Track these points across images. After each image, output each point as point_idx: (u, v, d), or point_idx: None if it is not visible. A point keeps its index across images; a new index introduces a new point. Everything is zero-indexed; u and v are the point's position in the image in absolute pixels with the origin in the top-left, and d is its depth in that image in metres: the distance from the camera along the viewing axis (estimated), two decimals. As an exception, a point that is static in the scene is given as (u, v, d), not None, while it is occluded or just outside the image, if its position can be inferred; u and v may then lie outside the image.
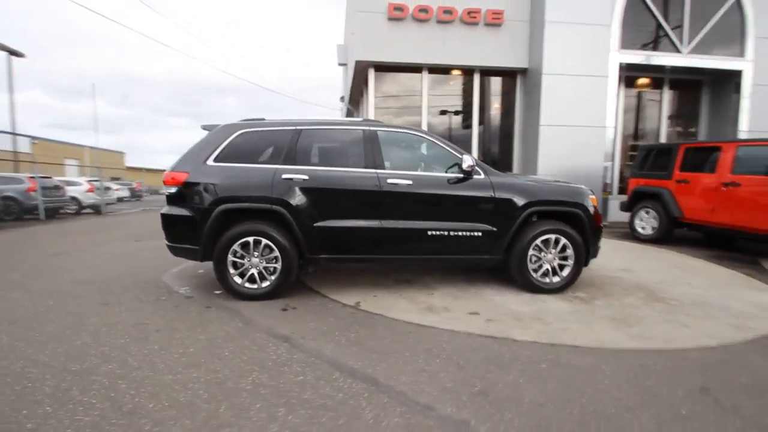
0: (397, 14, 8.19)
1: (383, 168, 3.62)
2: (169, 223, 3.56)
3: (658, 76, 9.81)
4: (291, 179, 3.46)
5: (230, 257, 3.45)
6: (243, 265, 3.48)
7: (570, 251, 3.81)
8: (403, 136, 3.94)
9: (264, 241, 3.44)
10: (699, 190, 6.09)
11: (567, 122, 8.51)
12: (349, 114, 13.81)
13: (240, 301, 3.46)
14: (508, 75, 9.36)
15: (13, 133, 16.23)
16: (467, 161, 3.56)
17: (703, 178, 6.06)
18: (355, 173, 3.56)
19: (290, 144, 3.59)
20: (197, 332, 2.81)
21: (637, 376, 2.27)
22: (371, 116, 8.91)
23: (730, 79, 9.24)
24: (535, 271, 3.80)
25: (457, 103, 9.60)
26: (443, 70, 9.14)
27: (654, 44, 9.03)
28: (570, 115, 8.52)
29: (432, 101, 9.31)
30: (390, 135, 3.80)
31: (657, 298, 3.77)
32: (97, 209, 12.84)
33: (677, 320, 3.19)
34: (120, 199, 18.86)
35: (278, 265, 3.48)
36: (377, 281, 4.14)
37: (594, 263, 4.01)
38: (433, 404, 1.96)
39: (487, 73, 9.28)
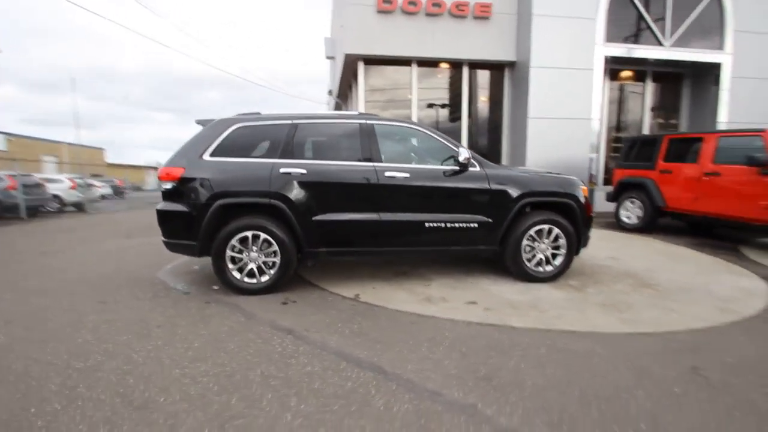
0: (386, 7, 8.16)
1: (380, 161, 3.65)
2: (165, 218, 3.53)
3: (641, 69, 10.01)
4: (289, 173, 3.46)
5: (229, 252, 3.44)
6: (241, 259, 3.48)
7: (562, 241, 3.91)
8: (400, 129, 3.97)
9: (262, 235, 3.44)
10: (682, 180, 6.28)
11: (554, 115, 8.65)
12: (337, 107, 13.73)
13: (239, 295, 3.46)
14: (497, 68, 9.43)
15: (-12, 129, 15.62)
16: (463, 154, 3.61)
17: (685, 169, 6.26)
18: (352, 167, 3.58)
19: (287, 138, 3.59)
20: (199, 327, 2.81)
21: (631, 359, 2.38)
22: (361, 109, 8.89)
23: (710, 72, 9.50)
24: (529, 260, 3.89)
25: (446, 96, 9.65)
26: (432, 63, 9.16)
27: (638, 37, 9.20)
28: (557, 108, 8.66)
29: (421, 94, 9.34)
30: (386, 128, 3.83)
31: (645, 284, 3.91)
32: (80, 207, 12.53)
33: (665, 305, 3.33)
34: (103, 197, 18.42)
35: (277, 260, 3.49)
36: (375, 273, 4.18)
37: (583, 252, 4.13)
38: (440, 390, 2.02)
39: (475, 66, 9.33)
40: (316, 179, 3.49)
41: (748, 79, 9.26)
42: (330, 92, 14.00)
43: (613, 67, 9.61)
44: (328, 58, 12.33)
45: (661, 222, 6.98)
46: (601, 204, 8.56)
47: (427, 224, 3.66)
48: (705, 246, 5.75)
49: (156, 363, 2.29)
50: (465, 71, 9.28)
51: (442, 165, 3.80)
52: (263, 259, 3.50)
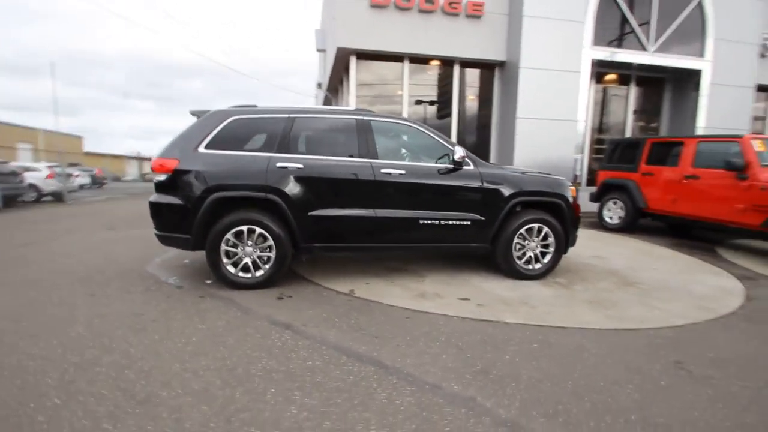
0: (379, 1, 8.13)
1: (377, 158, 3.67)
2: (158, 211, 3.48)
3: (626, 73, 10.27)
4: (286, 168, 3.45)
5: (223, 246, 3.42)
6: (236, 254, 3.47)
7: (551, 239, 4.02)
8: (396, 126, 4.00)
9: (258, 230, 3.43)
10: (663, 182, 6.51)
11: (542, 115, 8.81)
12: (327, 101, 13.63)
13: (234, 290, 3.45)
14: (487, 67, 9.53)
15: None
16: (459, 152, 3.67)
17: (666, 172, 6.49)
18: (349, 162, 3.59)
19: (284, 132, 3.57)
20: (196, 322, 2.80)
21: (619, 353, 2.49)
22: (352, 104, 8.87)
23: (691, 78, 9.82)
24: (520, 258, 4.00)
25: (436, 94, 9.70)
26: (424, 60, 9.19)
27: (623, 42, 9.44)
28: (545, 109, 8.82)
29: (412, 91, 9.36)
30: (383, 125, 3.85)
31: (628, 282, 4.06)
32: (58, 197, 12.12)
33: (648, 302, 3.47)
34: (81, 187, 17.85)
35: (272, 254, 3.49)
36: (367, 269, 4.22)
37: (569, 251, 4.25)
38: (440, 383, 2.08)
39: (466, 64, 9.41)
40: (313, 174, 3.50)
41: (725, 86, 9.62)
42: (319, 85, 13.88)
43: (599, 70, 9.84)
44: (318, 50, 12.22)
45: (641, 222, 7.22)
46: (584, 204, 8.75)
47: (421, 221, 3.71)
48: (683, 246, 5.99)
49: (155, 357, 2.28)
50: (456, 69, 9.35)
51: (436, 163, 3.85)
52: (258, 253, 3.49)
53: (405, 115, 9.16)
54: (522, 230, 3.93)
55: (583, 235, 6.59)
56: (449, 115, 9.62)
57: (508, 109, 9.20)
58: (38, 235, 6.23)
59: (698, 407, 1.93)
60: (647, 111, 10.98)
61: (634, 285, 3.97)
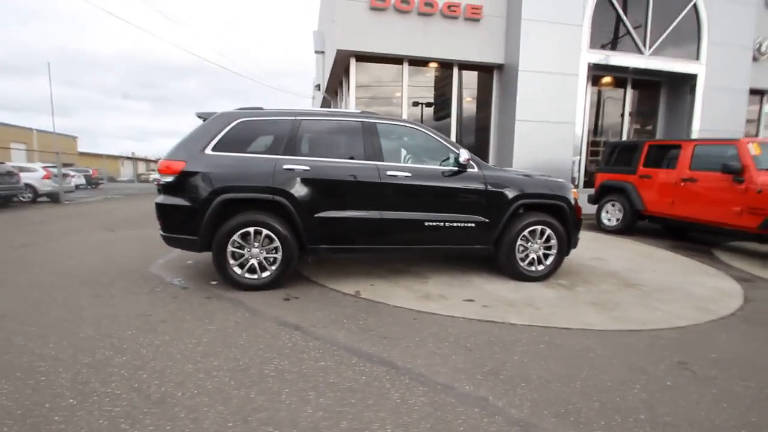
0: (379, 4, 8.17)
1: (382, 160, 3.70)
2: (164, 212, 3.48)
3: (622, 76, 10.38)
4: (292, 170, 3.47)
5: (230, 248, 3.43)
6: (242, 255, 3.48)
7: (554, 241, 4.07)
8: (401, 128, 4.03)
9: (264, 231, 3.44)
10: (660, 184, 6.59)
11: (540, 118, 8.89)
12: (325, 103, 13.64)
13: (240, 291, 3.46)
14: (486, 70, 9.60)
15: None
16: (464, 155, 3.71)
17: (664, 174, 6.57)
18: (355, 165, 3.62)
19: (290, 134, 3.59)
20: (205, 323, 2.81)
21: (624, 354, 2.53)
22: (351, 106, 8.90)
23: (686, 81, 9.95)
24: (523, 260, 4.04)
25: (435, 96, 9.75)
26: (423, 62, 9.24)
27: (620, 46, 9.54)
28: (543, 111, 8.90)
29: (411, 93, 9.41)
30: (388, 127, 3.88)
31: (629, 284, 4.12)
32: (54, 198, 12.02)
33: (649, 304, 3.53)
34: (77, 187, 17.72)
35: (278, 256, 3.50)
36: (371, 271, 4.24)
37: (570, 253, 4.29)
38: (452, 383, 2.11)
39: (465, 67, 9.47)
40: (320, 176, 3.52)
41: (720, 89, 9.76)
42: (317, 87, 13.89)
43: (596, 73, 9.94)
44: (316, 52, 12.23)
45: (639, 225, 7.31)
46: (583, 206, 8.85)
47: (426, 223, 3.74)
48: (680, 248, 6.07)
49: (167, 358, 2.29)
50: (455, 71, 9.40)
51: (441, 165, 3.89)
52: (264, 255, 3.51)
53: (405, 117, 9.20)
54: (525, 232, 3.97)
55: (583, 237, 6.60)
56: (447, 116, 9.67)
57: (507, 112, 9.27)
58: (37, 236, 6.19)
59: (704, 407, 1.97)
60: (643, 114, 11.11)
61: (635, 287, 4.03)
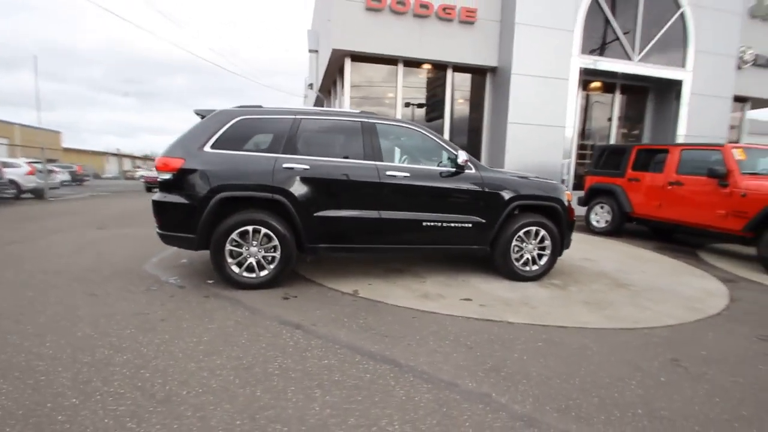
0: (375, 5, 8.19)
1: (381, 160, 3.73)
2: (162, 210, 3.45)
3: (611, 81, 10.60)
4: (292, 168, 3.47)
5: (228, 246, 3.41)
6: (241, 254, 3.46)
7: (548, 242, 4.15)
8: (400, 129, 4.06)
9: (263, 230, 3.43)
10: (648, 188, 6.76)
11: (532, 121, 9.01)
12: (319, 102, 13.60)
13: (238, 290, 3.44)
14: (479, 72, 9.69)
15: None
16: (462, 156, 3.75)
17: (652, 177, 6.73)
18: (355, 164, 3.64)
19: (290, 133, 3.59)
20: (205, 321, 2.79)
21: (619, 351, 2.60)
22: (346, 105, 8.90)
23: (672, 88, 10.20)
24: (517, 260, 4.10)
25: (429, 97, 9.81)
26: (418, 63, 9.29)
27: (610, 52, 9.73)
28: (535, 114, 9.02)
29: (406, 93, 9.45)
30: (387, 128, 3.91)
31: (619, 284, 4.22)
32: (38, 194, 11.73)
33: (639, 303, 3.62)
34: (62, 183, 17.31)
35: (277, 254, 3.50)
36: (368, 270, 4.26)
37: (562, 253, 4.37)
38: (455, 380, 2.14)
39: (459, 68, 9.54)
40: (320, 175, 3.52)
41: (705, 96, 10.03)
42: (310, 86, 13.84)
43: (586, 78, 10.12)
44: (311, 51, 12.18)
45: (626, 226, 7.47)
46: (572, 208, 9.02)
47: (425, 223, 3.78)
48: (667, 250, 6.23)
49: (168, 356, 2.28)
50: (449, 73, 9.48)
51: (439, 166, 3.93)
52: (263, 253, 3.50)
53: (398, 117, 9.23)
54: (520, 233, 4.04)
55: (573, 238, 6.75)
56: (439, 117, 9.74)
57: (499, 114, 9.37)
58: (24, 233, 6.05)
59: (697, 402, 2.05)
60: (631, 118, 11.35)
61: (626, 287, 4.13)
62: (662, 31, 9.68)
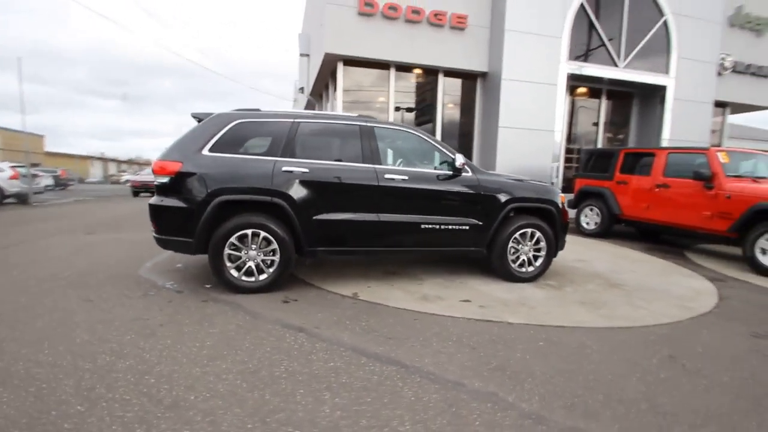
0: (367, 10, 8.25)
1: (380, 163, 3.75)
2: (159, 214, 3.41)
3: (597, 87, 10.85)
4: (291, 172, 3.47)
5: (227, 250, 3.38)
6: (239, 258, 3.44)
7: (543, 243, 4.22)
8: (398, 132, 4.10)
9: (262, 233, 3.42)
10: (636, 190, 6.92)
11: (523, 125, 9.17)
12: (310, 106, 13.58)
13: (237, 294, 3.42)
14: (470, 77, 9.82)
15: None
16: (459, 159, 3.80)
17: (639, 180, 6.90)
18: (354, 167, 3.65)
19: (288, 136, 3.59)
20: (206, 326, 2.77)
21: (618, 350, 2.66)
22: (338, 109, 8.91)
23: (656, 93, 10.49)
24: (514, 261, 4.16)
25: (421, 101, 9.91)
26: (410, 68, 9.37)
27: (596, 58, 9.96)
28: (525, 119, 9.18)
29: (398, 98, 9.52)
30: (385, 131, 3.95)
31: (612, 284, 4.31)
32: (22, 199, 11.44)
33: (633, 303, 3.71)
34: (46, 188, 16.89)
35: (276, 258, 3.48)
36: (365, 273, 4.27)
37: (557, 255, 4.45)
38: (461, 380, 2.17)
39: (450, 74, 9.66)
40: (319, 179, 3.53)
41: (687, 101, 10.34)
42: (301, 89, 13.82)
43: (573, 83, 10.34)
44: (302, 55, 12.18)
45: (615, 228, 7.62)
46: (562, 210, 9.16)
47: (423, 226, 3.81)
48: (655, 250, 6.38)
49: (172, 362, 2.25)
50: (440, 78, 9.58)
51: (436, 169, 3.97)
52: (262, 257, 3.48)
53: (390, 121, 9.29)
54: (516, 235, 4.10)
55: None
56: (430, 121, 9.84)
57: (490, 119, 9.50)
58: (11, 238, 5.89)
59: (697, 396, 2.11)
60: (616, 123, 11.62)
61: (619, 287, 4.22)
62: (646, 38, 9.95)
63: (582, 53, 9.86)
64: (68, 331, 2.61)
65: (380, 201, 3.68)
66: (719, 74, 10.84)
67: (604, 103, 11.09)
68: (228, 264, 3.41)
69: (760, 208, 5.02)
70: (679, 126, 10.41)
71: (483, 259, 4.23)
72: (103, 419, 1.74)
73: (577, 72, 9.65)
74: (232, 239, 3.38)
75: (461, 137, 10.18)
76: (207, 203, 3.32)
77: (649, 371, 2.36)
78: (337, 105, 8.99)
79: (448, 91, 9.88)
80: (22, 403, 1.84)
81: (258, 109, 3.72)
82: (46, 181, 17.14)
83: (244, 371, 2.18)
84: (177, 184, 3.35)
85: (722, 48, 10.71)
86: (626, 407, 1.96)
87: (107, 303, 3.16)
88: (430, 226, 3.82)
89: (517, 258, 4.17)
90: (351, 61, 8.83)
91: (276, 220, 3.47)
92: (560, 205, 4.32)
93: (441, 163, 4.01)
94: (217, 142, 3.46)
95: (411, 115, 9.94)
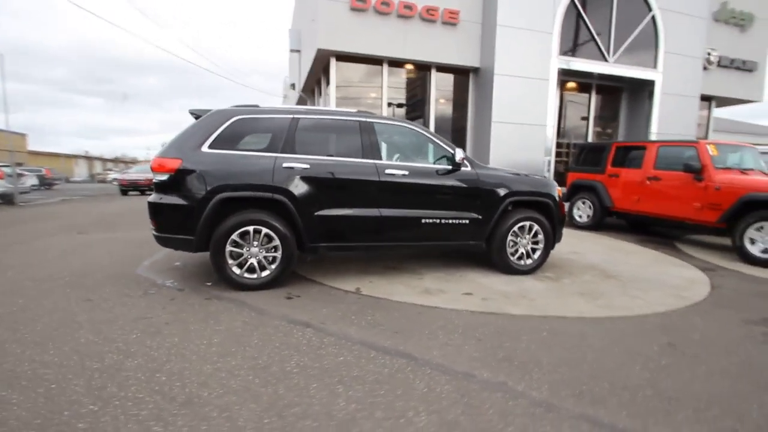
0: (360, 5, 8.22)
1: (380, 158, 3.76)
2: (158, 212, 3.37)
3: (587, 82, 10.99)
4: (292, 168, 3.46)
5: (228, 247, 3.37)
6: (241, 255, 3.42)
7: (541, 236, 4.28)
8: (397, 128, 4.11)
9: (264, 230, 3.41)
10: (627, 183, 7.04)
11: (515, 120, 9.25)
12: (301, 102, 13.49)
13: (239, 291, 3.40)
14: (462, 72, 9.86)
15: None
16: (459, 154, 3.83)
17: (630, 173, 7.02)
18: (355, 163, 3.65)
19: (288, 132, 3.58)
20: (211, 323, 2.76)
21: (619, 338, 2.73)
22: (332, 105, 8.88)
23: (645, 87, 10.67)
24: (512, 254, 4.22)
25: (414, 97, 9.92)
26: (402, 63, 9.37)
27: (586, 53, 10.08)
28: (518, 114, 9.26)
29: (391, 93, 9.52)
30: (385, 127, 3.95)
31: (608, 275, 4.39)
32: (8, 199, 11.16)
33: (629, 293, 3.79)
34: (32, 188, 16.50)
35: (278, 254, 3.47)
36: (366, 269, 4.28)
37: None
38: (471, 371, 2.20)
39: (442, 69, 9.69)
40: (320, 174, 3.52)
41: (675, 95, 10.53)
42: (292, 86, 13.71)
43: (564, 78, 10.45)
44: (292, 51, 12.08)
45: (607, 220, 7.76)
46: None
47: (423, 220, 3.83)
48: (647, 242, 6.52)
49: (182, 359, 2.24)
50: (433, 73, 9.60)
51: (436, 164, 3.99)
52: (264, 254, 3.47)
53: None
54: (515, 228, 4.15)
55: (559, 232, 7.00)
56: (421, 117, 9.86)
57: (483, 114, 9.56)
58: (2, 239, 5.76)
59: (698, 381, 2.18)
60: (605, 117, 11.80)
61: (614, 277, 4.30)
62: (635, 34, 10.10)
63: (572, 48, 9.96)
64: (71, 332, 2.58)
65: (381, 196, 3.69)
66: (705, 69, 11.06)
67: (593, 98, 11.24)
68: (230, 261, 3.40)
69: (748, 199, 5.16)
70: (667, 120, 10.61)
71: (480, 252, 4.27)
72: (118, 418, 1.73)
73: (568, 67, 9.76)
74: (234, 236, 3.36)
75: (454, 132, 10.23)
76: (208, 200, 3.30)
77: (650, 358, 2.43)
78: (330, 101, 8.95)
79: (440, 87, 9.91)
80: (33, 404, 1.82)
81: (257, 105, 3.69)
82: (32, 180, 16.75)
83: (255, 367, 2.18)
84: (177, 181, 3.32)
85: (708, 43, 10.93)
86: (632, 394, 2.02)
87: (108, 303, 3.13)
88: (430, 220, 3.85)
89: (516, 251, 4.23)
90: (344, 57, 8.79)
91: (277, 216, 3.46)
92: (557, 199, 4.38)
93: (440, 158, 4.03)
94: (216, 138, 3.42)
95: (404, 111, 9.95)
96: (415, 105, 9.98)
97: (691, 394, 2.05)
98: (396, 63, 9.30)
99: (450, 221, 3.92)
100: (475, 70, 9.74)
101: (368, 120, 3.83)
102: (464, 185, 3.95)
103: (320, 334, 2.63)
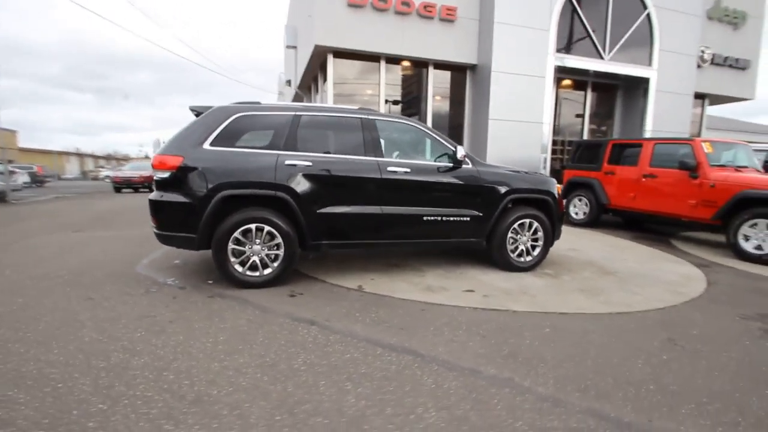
0: (357, 1, 8.17)
1: (382, 156, 3.76)
2: (159, 209, 3.35)
3: (583, 79, 11.04)
4: (294, 165, 3.45)
5: (231, 245, 3.36)
6: (243, 252, 3.41)
7: (540, 233, 4.32)
8: (399, 125, 4.10)
9: (266, 228, 3.40)
10: (623, 180, 7.11)
11: (512, 117, 9.27)
12: (297, 98, 13.41)
13: (242, 289, 3.40)
14: (459, 69, 9.86)
15: None
16: (460, 152, 3.84)
17: (626, 171, 7.09)
18: (357, 160, 3.65)
19: (290, 129, 3.56)
20: (216, 321, 2.75)
21: (620, 334, 2.77)
22: (329, 102, 8.84)
23: (640, 85, 10.74)
24: (512, 251, 4.25)
25: (411, 93, 9.91)
26: (400, 60, 9.35)
27: (582, 51, 10.12)
28: (515, 111, 9.29)
29: (388, 90, 9.50)
30: (387, 124, 3.95)
31: (606, 272, 4.45)
32: (0, 197, 11.02)
33: (628, 289, 3.84)
34: (23, 185, 16.27)
35: (280, 252, 3.47)
36: (367, 266, 4.29)
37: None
38: (477, 368, 2.22)
39: (440, 66, 9.68)
40: (322, 172, 3.52)
41: (669, 93, 10.62)
42: (288, 82, 13.62)
43: (560, 75, 10.49)
44: (288, 47, 11.99)
45: (602, 217, 7.83)
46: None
47: (425, 217, 3.85)
48: (642, 239, 6.59)
49: (188, 358, 2.24)
50: (431, 70, 9.59)
51: (437, 162, 4.00)
52: (266, 251, 3.46)
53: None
54: (515, 225, 4.18)
55: (556, 229, 7.05)
56: (418, 113, 9.86)
57: (480, 111, 9.58)
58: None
59: (699, 376, 2.22)
60: (601, 115, 11.87)
61: (613, 274, 4.35)
62: (630, 31, 10.16)
63: (569, 46, 9.99)
64: (74, 330, 2.56)
65: (383, 193, 3.70)
66: (699, 66, 11.16)
67: (589, 95, 11.30)
68: (232, 259, 3.39)
69: (743, 196, 5.23)
70: (662, 117, 10.69)
71: (480, 249, 4.30)
72: (128, 416, 1.73)
73: (565, 64, 9.80)
74: (236, 234, 3.35)
75: (451, 129, 10.24)
76: (210, 198, 3.28)
77: (651, 354, 2.47)
78: (328, 97, 8.91)
79: (438, 84, 9.90)
80: (41, 403, 1.81)
81: (258, 102, 3.67)
82: (23, 178, 16.51)
83: (262, 365, 2.18)
84: (178, 179, 3.30)
85: (701, 41, 11.02)
86: (635, 388, 2.05)
87: (109, 301, 3.11)
88: (432, 218, 3.86)
89: (516, 248, 4.26)
90: (341, 53, 8.75)
91: (280, 214, 3.45)
92: (557, 196, 4.42)
93: (441, 155, 4.04)
94: (218, 135, 3.40)
95: (401, 108, 9.94)
96: (412, 102, 9.99)
97: (692, 388, 2.09)
98: (393, 60, 9.28)
99: (451, 218, 3.94)
100: (473, 67, 9.75)
101: (370, 117, 3.83)
102: (465, 183, 3.97)
103: (326, 332, 2.63)
